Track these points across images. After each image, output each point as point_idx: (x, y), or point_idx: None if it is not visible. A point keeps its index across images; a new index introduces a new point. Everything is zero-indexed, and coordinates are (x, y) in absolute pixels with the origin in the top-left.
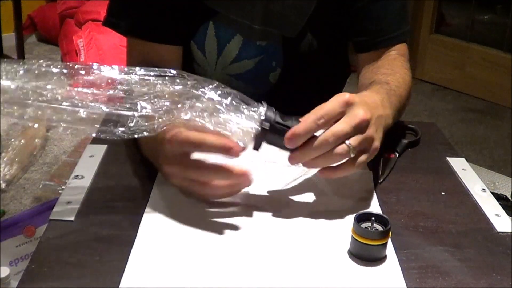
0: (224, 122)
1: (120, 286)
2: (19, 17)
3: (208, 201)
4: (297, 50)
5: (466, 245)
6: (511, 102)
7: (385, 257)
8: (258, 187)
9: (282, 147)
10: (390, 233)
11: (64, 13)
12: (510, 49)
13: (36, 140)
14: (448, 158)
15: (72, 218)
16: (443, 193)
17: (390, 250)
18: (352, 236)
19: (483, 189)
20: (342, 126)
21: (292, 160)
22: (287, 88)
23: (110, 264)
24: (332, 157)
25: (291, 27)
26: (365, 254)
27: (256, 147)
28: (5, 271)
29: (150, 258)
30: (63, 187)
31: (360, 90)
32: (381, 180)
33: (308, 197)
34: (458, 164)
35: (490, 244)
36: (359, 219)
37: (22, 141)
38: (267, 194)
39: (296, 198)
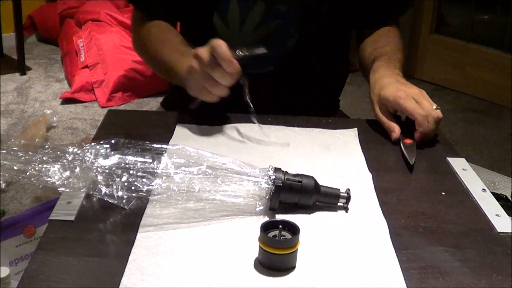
0: (239, 181)
1: (120, 286)
2: (19, 17)
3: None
4: (313, 18)
5: (466, 245)
6: (511, 102)
7: (294, 267)
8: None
9: (298, 202)
10: (299, 242)
11: (64, 13)
12: (510, 49)
13: (36, 140)
14: (448, 158)
15: (72, 218)
16: (443, 193)
17: (390, 250)
18: (259, 245)
19: (483, 189)
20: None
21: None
22: (302, 55)
23: (110, 264)
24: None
25: None
26: (273, 264)
27: (273, 206)
28: (5, 271)
29: (150, 258)
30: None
31: (366, 62)
32: (412, 162)
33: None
34: (458, 164)
35: (490, 244)
36: (266, 228)
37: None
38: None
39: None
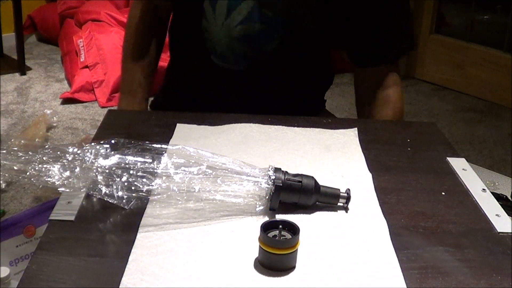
0: (239, 181)
1: (120, 286)
2: (19, 17)
3: None
4: (298, 28)
5: (466, 245)
6: (511, 102)
7: (294, 267)
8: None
9: (298, 202)
10: (299, 242)
11: (64, 13)
12: (510, 49)
13: (36, 140)
14: (448, 158)
15: (72, 218)
16: (443, 193)
17: (390, 250)
18: (259, 245)
19: (483, 189)
20: None
21: None
22: (280, 58)
23: (110, 264)
24: None
25: (298, 5)
26: (273, 264)
27: (273, 207)
28: (5, 271)
29: (150, 258)
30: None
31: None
32: None
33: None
34: (458, 164)
35: (490, 244)
36: (266, 228)
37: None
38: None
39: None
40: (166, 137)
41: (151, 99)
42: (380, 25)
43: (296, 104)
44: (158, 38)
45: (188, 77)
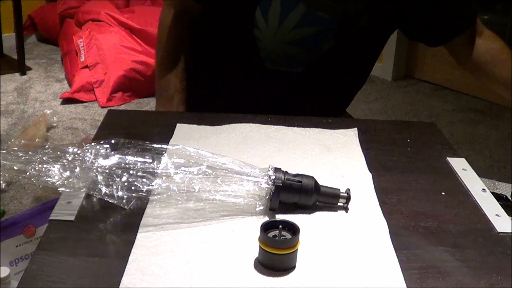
0: (239, 181)
1: (120, 286)
2: (19, 17)
3: None
4: (353, 27)
5: (466, 245)
6: (511, 102)
7: (294, 267)
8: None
9: (298, 202)
10: (299, 242)
11: (64, 13)
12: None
13: (37, 140)
14: (448, 158)
15: (72, 218)
16: (443, 193)
17: (390, 250)
18: (259, 245)
19: (483, 189)
20: None
21: None
22: (334, 60)
23: (110, 264)
24: None
25: (352, 4)
26: (273, 264)
27: (273, 207)
28: (5, 271)
29: (150, 258)
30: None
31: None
32: None
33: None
34: (458, 164)
35: (490, 244)
36: (266, 228)
37: (22, 141)
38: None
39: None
40: (166, 137)
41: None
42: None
43: (325, 109)
44: (190, 42)
45: (236, 83)
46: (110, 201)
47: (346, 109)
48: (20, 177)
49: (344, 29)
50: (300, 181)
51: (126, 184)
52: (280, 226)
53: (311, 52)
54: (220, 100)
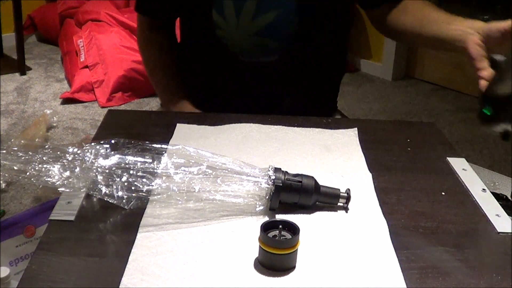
0: (239, 181)
1: (120, 286)
2: (19, 17)
3: None
4: (311, 2)
5: (466, 245)
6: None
7: (294, 267)
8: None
9: (298, 202)
10: (299, 242)
11: (64, 13)
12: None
13: (37, 140)
14: (448, 158)
15: (72, 218)
16: (443, 193)
17: (390, 250)
18: (259, 245)
19: (483, 189)
20: None
21: None
22: (304, 43)
23: (110, 264)
24: None
25: None
26: (273, 264)
27: (273, 207)
28: (5, 271)
29: (150, 258)
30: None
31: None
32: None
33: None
34: (458, 164)
35: (490, 244)
36: (267, 228)
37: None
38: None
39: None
40: (166, 137)
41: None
42: None
43: (312, 104)
44: (174, 44)
45: (213, 80)
46: (110, 201)
47: (337, 99)
48: (20, 177)
49: (305, 7)
50: (300, 181)
51: (126, 184)
52: (280, 226)
53: (279, 38)
54: (211, 101)
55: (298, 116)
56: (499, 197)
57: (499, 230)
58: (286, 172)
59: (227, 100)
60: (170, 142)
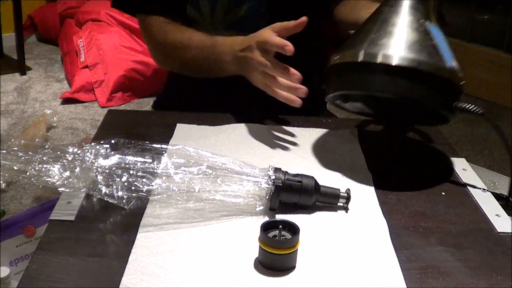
0: (239, 181)
1: (120, 286)
2: (19, 17)
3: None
4: None
5: (466, 245)
6: (511, 102)
7: (294, 267)
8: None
9: (298, 202)
10: (299, 242)
11: (64, 13)
12: (510, 49)
13: (36, 140)
14: (448, 158)
15: (72, 218)
16: (443, 193)
17: (390, 250)
18: (259, 245)
19: (483, 189)
20: None
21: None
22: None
23: (110, 264)
24: None
25: None
26: (273, 264)
27: (273, 207)
28: (5, 271)
29: (150, 258)
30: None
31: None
32: None
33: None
34: (458, 164)
35: (490, 244)
36: (266, 228)
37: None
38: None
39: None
40: (166, 137)
41: (153, 99)
42: None
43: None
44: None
45: (210, 81)
46: (110, 201)
47: (323, 96)
48: (20, 177)
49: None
50: (300, 181)
51: (126, 184)
52: (280, 226)
53: (252, 31)
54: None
55: (297, 116)
56: (499, 197)
57: (499, 230)
58: (286, 172)
59: (209, 94)
60: (170, 142)
